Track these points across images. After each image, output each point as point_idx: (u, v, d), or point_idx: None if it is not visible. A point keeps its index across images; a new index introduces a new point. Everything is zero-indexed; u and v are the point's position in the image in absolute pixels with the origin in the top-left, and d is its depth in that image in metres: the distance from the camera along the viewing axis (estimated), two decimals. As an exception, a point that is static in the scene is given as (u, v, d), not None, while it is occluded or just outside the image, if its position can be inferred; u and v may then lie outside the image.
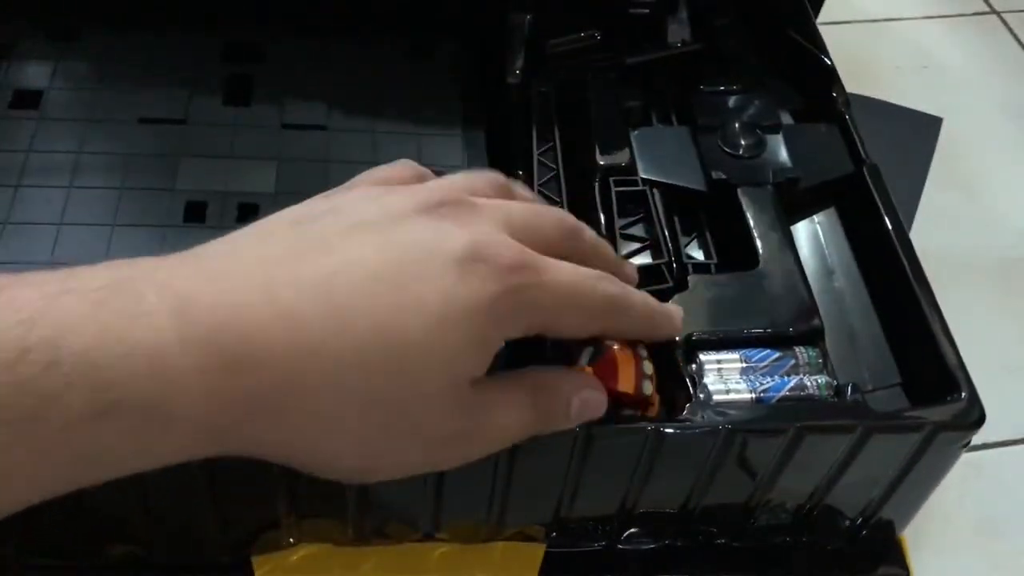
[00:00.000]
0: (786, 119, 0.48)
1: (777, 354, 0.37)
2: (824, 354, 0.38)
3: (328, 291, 0.26)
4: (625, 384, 0.33)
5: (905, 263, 0.40)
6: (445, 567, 0.40)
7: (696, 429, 0.34)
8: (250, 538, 0.38)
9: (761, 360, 0.37)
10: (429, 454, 0.29)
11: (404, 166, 0.32)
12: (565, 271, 0.30)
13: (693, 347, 0.37)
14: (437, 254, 0.27)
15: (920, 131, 0.66)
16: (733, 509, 0.39)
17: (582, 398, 0.31)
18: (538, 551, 0.40)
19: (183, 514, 0.36)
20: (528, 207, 0.32)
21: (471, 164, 0.46)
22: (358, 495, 0.36)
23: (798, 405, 0.36)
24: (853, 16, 0.74)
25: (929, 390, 0.38)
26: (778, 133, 0.46)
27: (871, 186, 0.44)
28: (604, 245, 0.35)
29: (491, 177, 0.33)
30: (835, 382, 0.37)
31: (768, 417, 0.35)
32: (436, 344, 0.26)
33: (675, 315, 0.35)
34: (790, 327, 0.38)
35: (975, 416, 0.36)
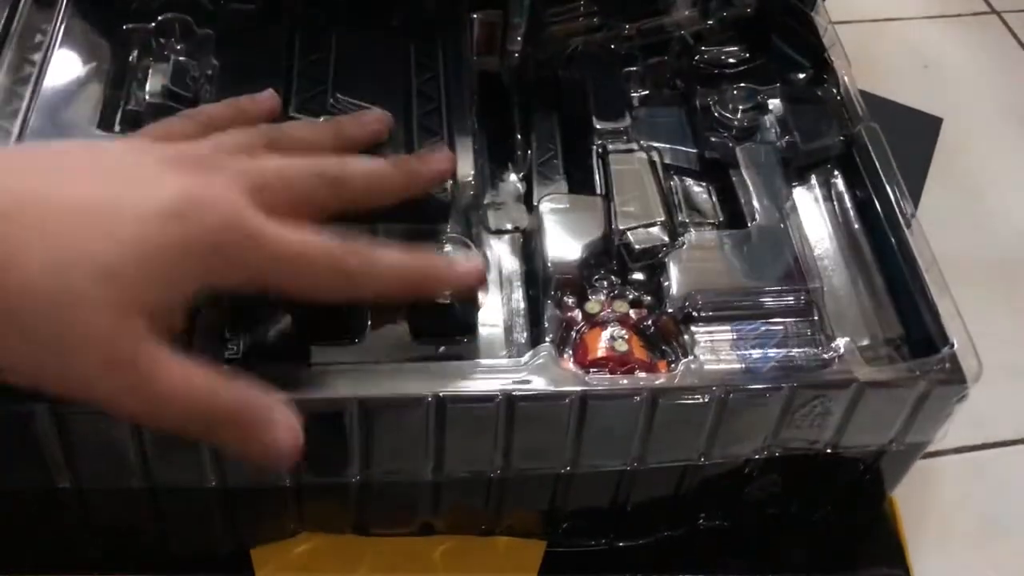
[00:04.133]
0: (786, 85, 0.48)
1: (767, 327, 0.37)
2: (819, 317, 0.38)
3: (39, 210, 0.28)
4: (594, 350, 0.35)
5: (901, 221, 0.41)
6: (446, 563, 0.40)
7: (691, 390, 0.35)
8: (252, 527, 0.38)
9: (752, 331, 0.37)
10: (89, 379, 0.28)
11: (185, 120, 0.36)
12: (288, 237, 0.30)
13: (685, 319, 0.37)
14: (144, 202, 0.28)
15: (920, 131, 0.66)
16: (727, 479, 0.39)
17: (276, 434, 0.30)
18: (539, 547, 0.40)
19: (188, 506, 0.36)
20: (283, 164, 0.33)
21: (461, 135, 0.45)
22: (361, 480, 0.36)
23: (791, 368, 0.36)
24: (853, 16, 0.74)
25: (925, 345, 0.38)
26: (777, 98, 0.47)
27: (869, 147, 0.44)
28: (381, 179, 0.36)
29: (263, 130, 0.35)
30: (825, 354, 0.37)
31: (762, 378, 0.35)
32: (114, 271, 0.27)
33: (431, 160, 0.38)
34: (784, 286, 0.38)
35: (969, 369, 0.36)
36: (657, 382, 0.34)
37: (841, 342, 0.37)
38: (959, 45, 0.74)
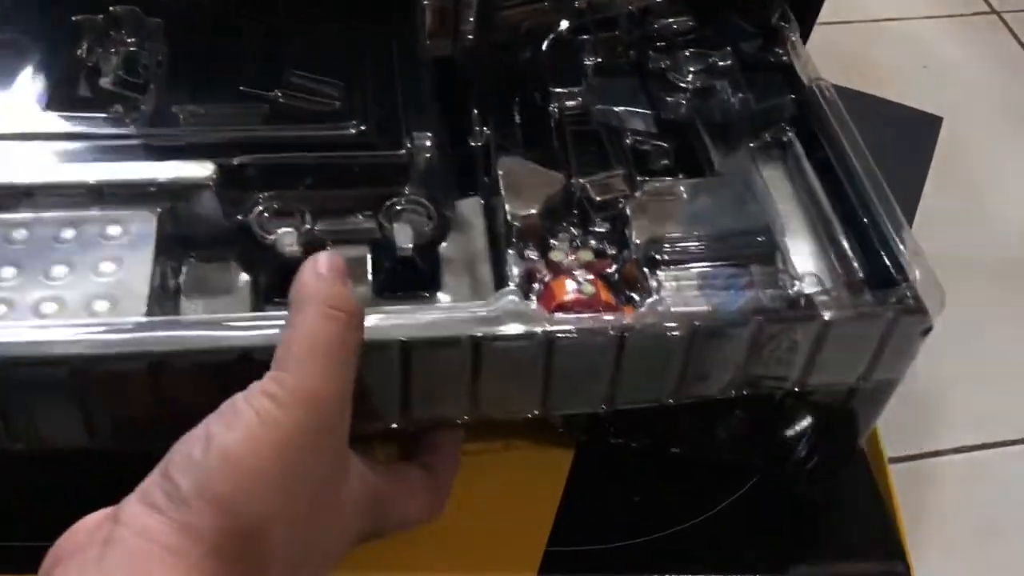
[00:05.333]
0: (736, 51, 0.48)
1: (732, 269, 0.37)
2: (782, 261, 0.38)
3: None
4: (560, 294, 0.35)
5: (857, 166, 0.41)
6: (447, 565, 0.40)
7: (659, 327, 0.34)
8: None
9: (716, 276, 0.37)
10: None
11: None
12: None
13: (650, 264, 0.37)
14: None
15: (920, 129, 0.66)
16: (699, 421, 0.39)
17: None
18: (539, 547, 0.41)
19: None
20: None
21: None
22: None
23: (757, 307, 0.36)
24: (853, 16, 0.74)
25: (886, 283, 0.37)
26: (728, 61, 0.47)
27: (821, 102, 0.44)
28: None
29: None
30: (791, 292, 0.37)
31: (729, 316, 0.35)
32: None
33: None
34: (747, 232, 0.38)
35: (931, 300, 0.36)
36: (624, 321, 0.34)
37: (805, 282, 0.37)
38: (959, 45, 0.74)
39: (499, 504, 0.42)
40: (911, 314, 0.36)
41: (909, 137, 0.65)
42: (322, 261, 0.31)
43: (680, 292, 0.36)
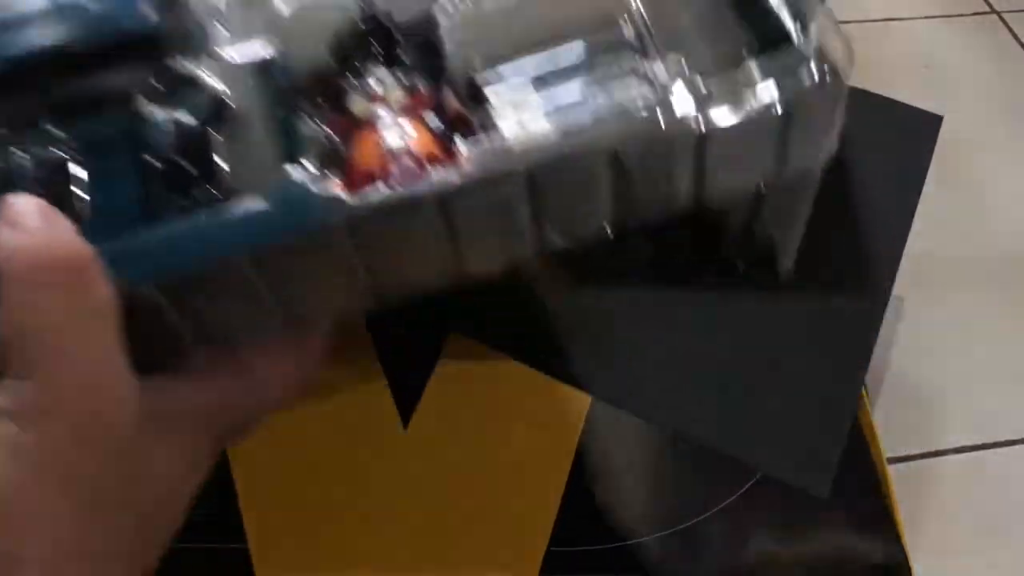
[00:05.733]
0: None
1: (578, 75, 0.29)
2: (643, 49, 0.30)
3: None
4: (370, 157, 0.27)
5: None
6: (446, 566, 0.40)
7: (492, 180, 0.27)
8: None
9: (560, 86, 0.29)
10: None
11: None
12: None
13: (472, 92, 0.29)
14: None
15: (920, 128, 0.66)
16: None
17: None
18: (540, 547, 0.41)
19: None
20: None
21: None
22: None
23: (617, 119, 0.28)
24: (853, 16, 0.74)
25: (777, 46, 0.29)
26: None
27: None
28: None
29: None
30: (655, 96, 0.28)
31: (579, 141, 0.27)
32: None
33: None
34: (593, 21, 0.30)
35: (839, 62, 0.29)
36: (452, 177, 0.26)
37: (674, 77, 0.28)
38: (959, 45, 0.74)
39: (499, 504, 0.42)
40: (816, 88, 0.28)
41: (909, 136, 0.65)
42: (17, 208, 0.23)
43: (518, 117, 0.28)
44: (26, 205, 0.23)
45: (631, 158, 0.28)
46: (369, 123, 0.29)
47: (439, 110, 0.29)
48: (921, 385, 0.49)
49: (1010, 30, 0.76)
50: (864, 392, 0.45)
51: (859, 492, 0.44)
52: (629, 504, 0.43)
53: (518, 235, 0.29)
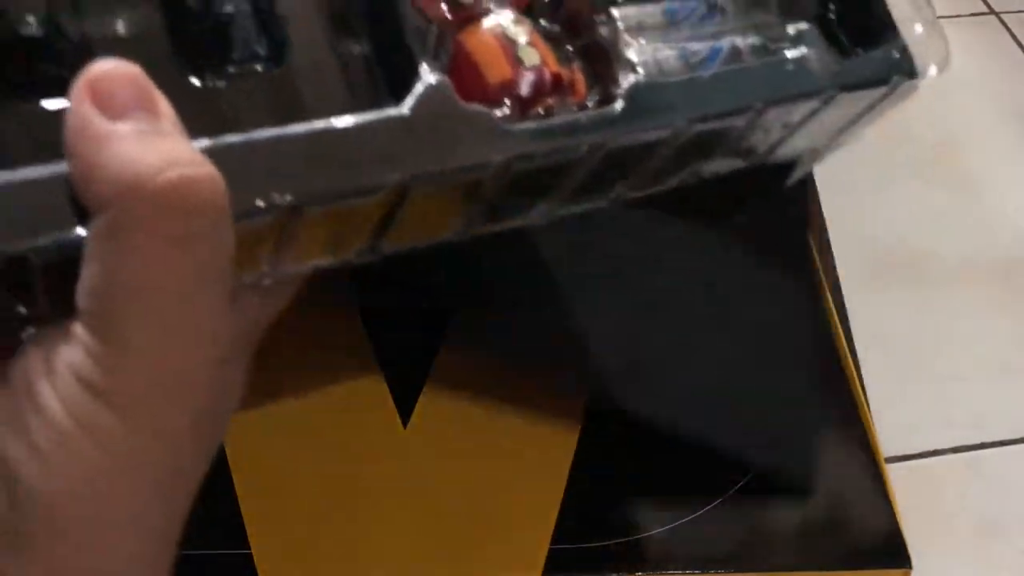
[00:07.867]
0: None
1: (703, 8, 0.28)
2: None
3: None
4: (497, 71, 0.22)
5: None
6: (451, 565, 0.40)
7: (642, 129, 0.24)
8: None
9: (686, 17, 0.27)
10: None
11: None
12: None
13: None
14: None
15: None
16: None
17: None
18: (542, 547, 0.41)
19: None
20: None
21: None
22: None
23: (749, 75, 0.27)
24: (853, 17, 0.74)
25: (853, 36, 0.30)
26: None
27: None
28: None
29: None
30: (768, 43, 0.28)
31: (724, 96, 0.26)
32: None
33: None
34: None
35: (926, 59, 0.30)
36: (604, 128, 0.23)
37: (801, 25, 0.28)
38: (958, 46, 0.74)
39: (500, 502, 0.42)
40: (909, 77, 0.29)
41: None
42: (110, 80, 0.16)
43: (651, 46, 0.25)
44: (123, 76, 0.16)
45: (763, 120, 0.27)
46: (475, 16, 0.23)
47: (555, 14, 0.25)
48: (920, 385, 0.49)
49: (1009, 31, 0.76)
50: (864, 392, 0.45)
51: (859, 492, 0.44)
52: (630, 500, 0.43)
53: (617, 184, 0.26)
